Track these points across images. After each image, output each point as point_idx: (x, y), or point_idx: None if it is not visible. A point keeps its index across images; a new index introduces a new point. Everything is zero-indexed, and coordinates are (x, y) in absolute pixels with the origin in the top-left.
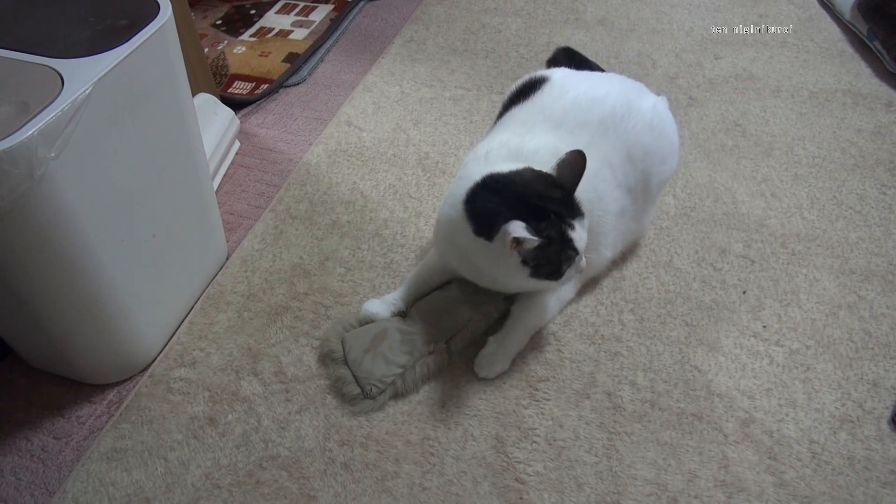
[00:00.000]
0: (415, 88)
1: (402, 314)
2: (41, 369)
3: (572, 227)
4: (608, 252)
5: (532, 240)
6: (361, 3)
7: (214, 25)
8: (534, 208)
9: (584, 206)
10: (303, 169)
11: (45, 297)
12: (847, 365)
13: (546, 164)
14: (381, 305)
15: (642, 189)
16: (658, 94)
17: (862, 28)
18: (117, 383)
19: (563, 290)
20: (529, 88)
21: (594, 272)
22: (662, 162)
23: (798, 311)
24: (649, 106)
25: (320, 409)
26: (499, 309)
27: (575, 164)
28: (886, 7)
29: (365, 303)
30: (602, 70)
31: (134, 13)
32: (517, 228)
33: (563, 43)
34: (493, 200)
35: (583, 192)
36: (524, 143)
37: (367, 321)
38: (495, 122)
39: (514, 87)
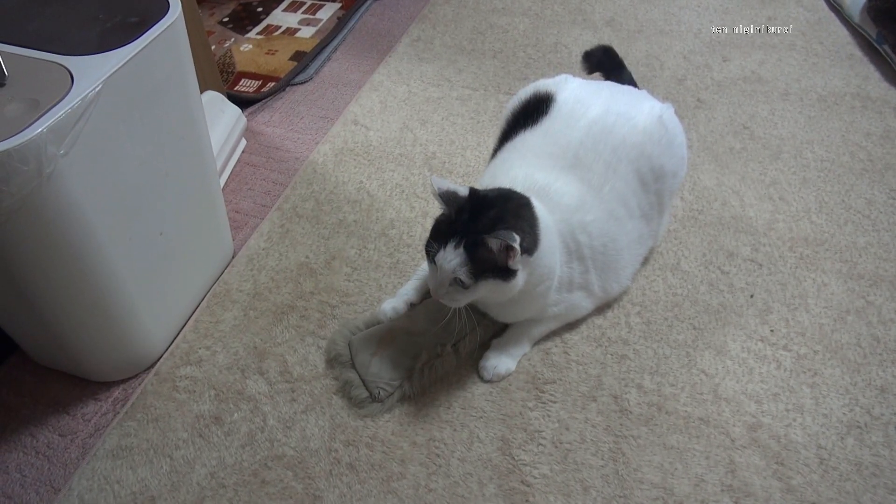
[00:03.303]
0: (422, 88)
1: (413, 305)
2: (47, 366)
3: (452, 242)
4: (626, 281)
5: (436, 188)
6: (369, 2)
7: (221, 23)
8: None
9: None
10: (309, 168)
11: (52, 294)
12: (855, 370)
13: (572, 209)
14: (397, 301)
15: (657, 207)
16: (666, 97)
17: (871, 31)
18: (123, 381)
19: (572, 307)
20: (535, 108)
21: (611, 299)
22: (674, 176)
23: (806, 315)
24: (655, 120)
25: (326, 408)
26: None
27: (529, 219)
28: None
29: (381, 305)
30: (631, 76)
31: (143, 11)
32: (438, 182)
33: (570, 44)
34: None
35: (596, 239)
36: (551, 185)
37: (379, 322)
38: (500, 139)
39: (516, 101)
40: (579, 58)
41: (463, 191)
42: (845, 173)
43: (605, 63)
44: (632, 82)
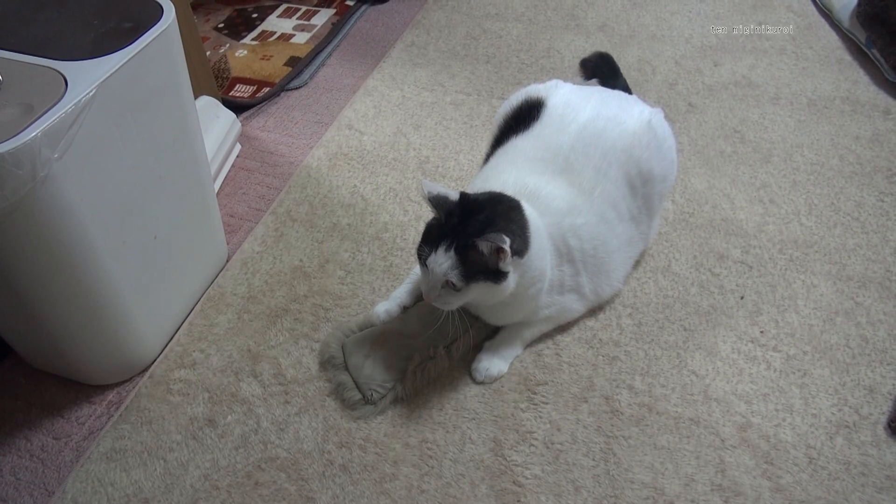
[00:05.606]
0: (416, 93)
1: (406, 309)
2: (41, 370)
3: (443, 246)
4: (618, 284)
5: (426, 192)
6: (363, 8)
7: (216, 29)
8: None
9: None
10: (303, 172)
11: (47, 297)
12: (844, 370)
13: (563, 213)
14: (390, 304)
15: (646, 211)
16: (658, 102)
17: (860, 36)
18: (117, 384)
19: (563, 309)
20: (527, 113)
21: (602, 302)
22: (663, 180)
23: (795, 316)
24: (644, 125)
25: (319, 411)
26: None
27: (519, 222)
28: (885, 15)
29: (374, 307)
30: (626, 84)
31: (138, 16)
32: (429, 186)
33: (563, 49)
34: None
35: (586, 242)
36: (541, 189)
37: (372, 324)
38: (492, 145)
39: (508, 106)
40: (572, 63)
41: (454, 195)
42: (835, 176)
43: (601, 70)
44: (626, 90)
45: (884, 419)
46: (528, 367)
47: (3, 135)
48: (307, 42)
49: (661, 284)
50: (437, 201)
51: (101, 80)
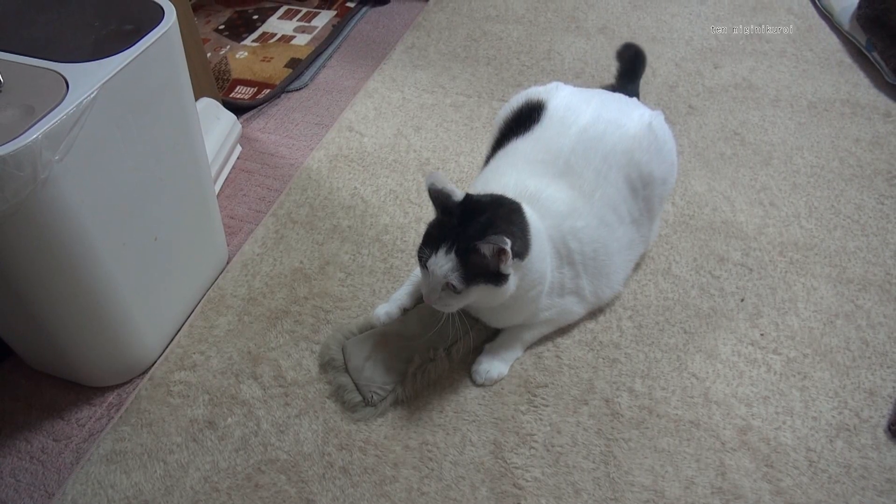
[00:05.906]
0: (416, 94)
1: (406, 311)
2: (42, 371)
3: (444, 248)
4: (618, 286)
5: (429, 183)
6: (363, 10)
7: (217, 30)
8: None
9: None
10: (304, 174)
11: (47, 298)
12: (844, 373)
13: (563, 215)
14: (391, 306)
15: (647, 213)
16: (658, 104)
17: (861, 39)
18: (117, 386)
19: (563, 312)
20: (527, 115)
21: (603, 304)
22: (664, 183)
23: (796, 319)
24: (644, 128)
25: (319, 413)
26: None
27: (520, 224)
28: (885, 18)
29: (374, 309)
30: (637, 89)
31: (138, 18)
32: (436, 178)
33: (563, 51)
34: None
35: (586, 244)
36: (541, 191)
37: (373, 326)
38: (493, 147)
39: (508, 108)
40: (572, 65)
41: (458, 195)
42: (835, 179)
43: (629, 62)
44: (636, 94)
45: (884, 422)
46: (528, 369)
47: (4, 137)
48: (308, 44)
49: (661, 287)
50: (437, 195)
51: (102, 81)
